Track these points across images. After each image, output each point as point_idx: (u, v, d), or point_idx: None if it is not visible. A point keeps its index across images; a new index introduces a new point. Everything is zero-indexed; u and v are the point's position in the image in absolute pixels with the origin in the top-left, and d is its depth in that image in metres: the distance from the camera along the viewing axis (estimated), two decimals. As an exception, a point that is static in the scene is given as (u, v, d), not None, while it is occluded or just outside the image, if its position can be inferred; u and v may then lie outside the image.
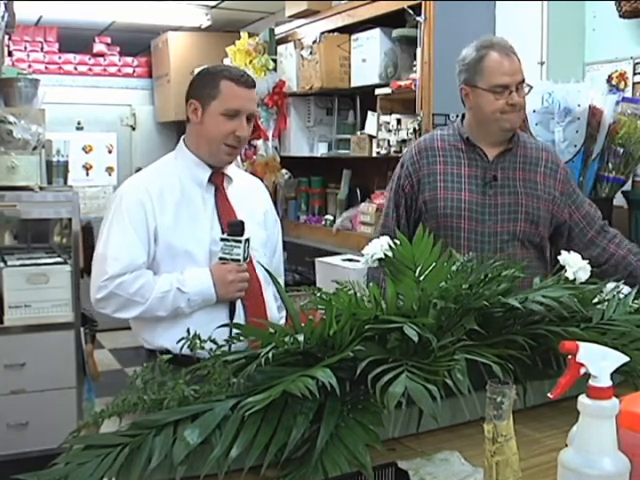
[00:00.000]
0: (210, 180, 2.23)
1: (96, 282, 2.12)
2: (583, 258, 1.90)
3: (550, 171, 2.46)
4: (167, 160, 2.31)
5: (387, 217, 2.57)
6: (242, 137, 2.17)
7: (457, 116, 2.61)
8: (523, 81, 2.38)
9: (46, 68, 6.82)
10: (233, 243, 2.10)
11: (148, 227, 2.13)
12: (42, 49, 6.86)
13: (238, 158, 4.76)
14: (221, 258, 2.12)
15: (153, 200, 2.15)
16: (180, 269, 2.14)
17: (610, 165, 2.86)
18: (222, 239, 2.12)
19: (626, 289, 1.88)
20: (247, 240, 2.12)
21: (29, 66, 6.56)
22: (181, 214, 2.17)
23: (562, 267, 1.84)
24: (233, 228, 2.12)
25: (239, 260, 2.11)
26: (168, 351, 1.79)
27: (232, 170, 2.33)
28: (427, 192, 2.46)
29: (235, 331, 1.58)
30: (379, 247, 1.76)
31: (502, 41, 2.43)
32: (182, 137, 2.29)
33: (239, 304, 2.17)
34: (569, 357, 1.14)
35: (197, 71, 2.32)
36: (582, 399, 1.05)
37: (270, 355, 1.35)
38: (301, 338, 1.40)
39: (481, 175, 2.43)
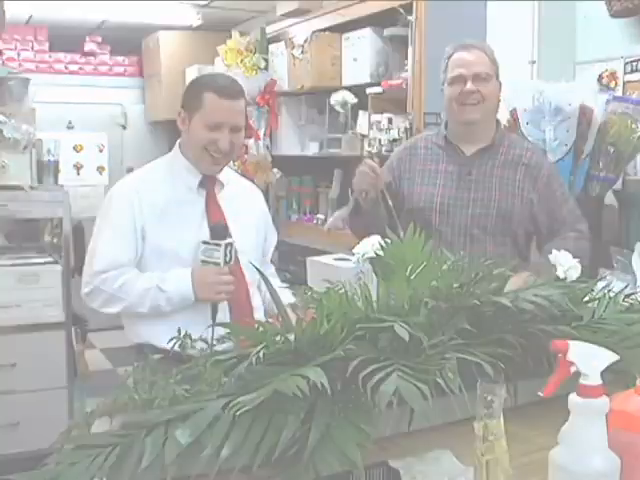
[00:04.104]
0: (201, 185, 2.26)
1: (84, 277, 2.22)
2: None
3: (531, 170, 2.46)
4: (161, 162, 2.35)
5: None
6: (223, 148, 2.18)
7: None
8: (488, 75, 2.40)
9: (37, 67, 6.77)
10: (213, 247, 2.12)
11: (135, 226, 2.18)
12: (32, 48, 6.81)
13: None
14: (202, 261, 2.14)
15: (142, 200, 2.19)
16: (166, 269, 2.17)
17: (601, 164, 2.87)
18: (204, 242, 2.14)
19: (617, 287, 1.89)
20: (229, 244, 2.12)
21: (19, 65, 6.50)
22: (170, 215, 2.20)
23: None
24: (215, 232, 2.15)
25: (219, 264, 2.11)
26: (154, 347, 1.98)
27: (227, 176, 2.34)
28: (406, 187, 2.54)
29: (226, 331, 1.57)
30: (370, 246, 1.76)
31: (473, 41, 2.48)
32: (178, 141, 2.32)
33: (225, 306, 2.18)
34: (560, 356, 1.14)
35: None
36: (572, 397, 1.05)
37: (261, 354, 1.35)
38: (292, 337, 1.40)
39: (457, 171, 2.47)
